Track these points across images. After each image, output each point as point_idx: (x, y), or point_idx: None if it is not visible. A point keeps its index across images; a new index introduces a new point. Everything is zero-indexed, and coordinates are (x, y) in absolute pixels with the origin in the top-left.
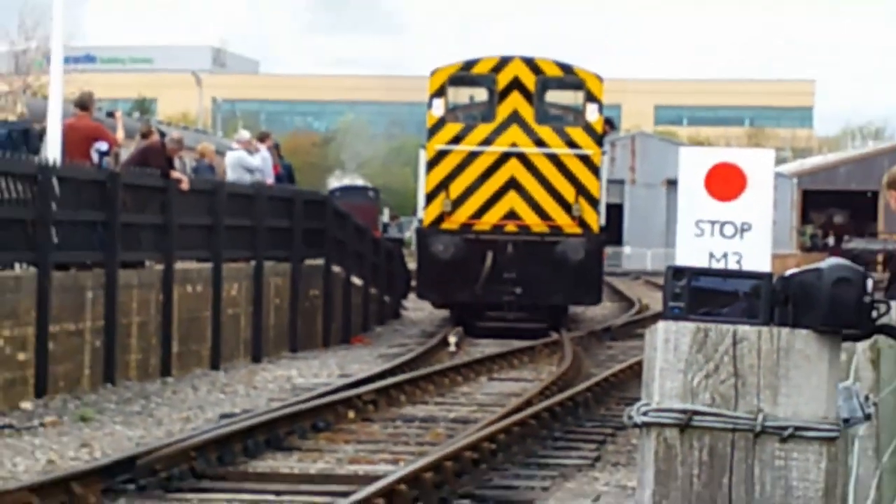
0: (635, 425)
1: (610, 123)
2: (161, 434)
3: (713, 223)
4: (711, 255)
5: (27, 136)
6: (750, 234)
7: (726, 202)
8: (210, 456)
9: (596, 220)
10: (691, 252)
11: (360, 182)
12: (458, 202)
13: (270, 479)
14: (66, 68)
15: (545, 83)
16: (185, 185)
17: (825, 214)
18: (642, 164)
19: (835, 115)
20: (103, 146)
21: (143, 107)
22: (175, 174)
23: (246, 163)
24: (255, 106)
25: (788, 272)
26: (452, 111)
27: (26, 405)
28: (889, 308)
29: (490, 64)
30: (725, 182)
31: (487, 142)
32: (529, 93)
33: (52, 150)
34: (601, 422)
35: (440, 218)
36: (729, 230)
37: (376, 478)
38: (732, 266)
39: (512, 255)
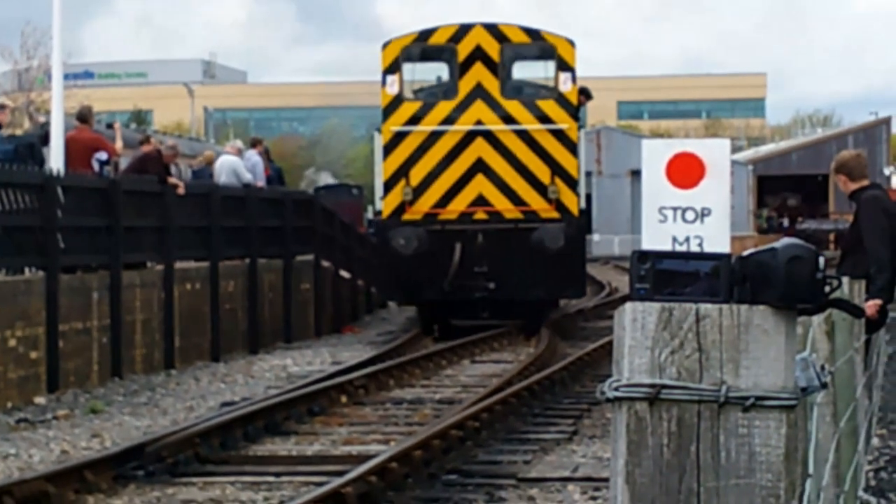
0: (608, 400)
1: (585, 93)
2: (167, 423)
3: (675, 209)
4: (675, 239)
5: (33, 149)
6: (710, 219)
7: (687, 189)
8: (213, 442)
9: (575, 202)
10: (656, 237)
11: (331, 180)
12: (419, 189)
13: (270, 461)
14: (66, 84)
15: (511, 52)
16: (181, 190)
17: (779, 198)
18: (607, 157)
19: (785, 105)
20: (103, 156)
21: (140, 118)
22: (172, 180)
23: (240, 172)
24: (244, 114)
25: (746, 252)
26: (418, 91)
27: (40, 400)
28: (840, 283)
29: (448, 33)
30: (685, 171)
31: (449, 120)
32: (494, 63)
33: (56, 162)
34: (577, 398)
35: (400, 208)
36: (690, 215)
37: (369, 457)
38: (694, 249)
39: (483, 245)
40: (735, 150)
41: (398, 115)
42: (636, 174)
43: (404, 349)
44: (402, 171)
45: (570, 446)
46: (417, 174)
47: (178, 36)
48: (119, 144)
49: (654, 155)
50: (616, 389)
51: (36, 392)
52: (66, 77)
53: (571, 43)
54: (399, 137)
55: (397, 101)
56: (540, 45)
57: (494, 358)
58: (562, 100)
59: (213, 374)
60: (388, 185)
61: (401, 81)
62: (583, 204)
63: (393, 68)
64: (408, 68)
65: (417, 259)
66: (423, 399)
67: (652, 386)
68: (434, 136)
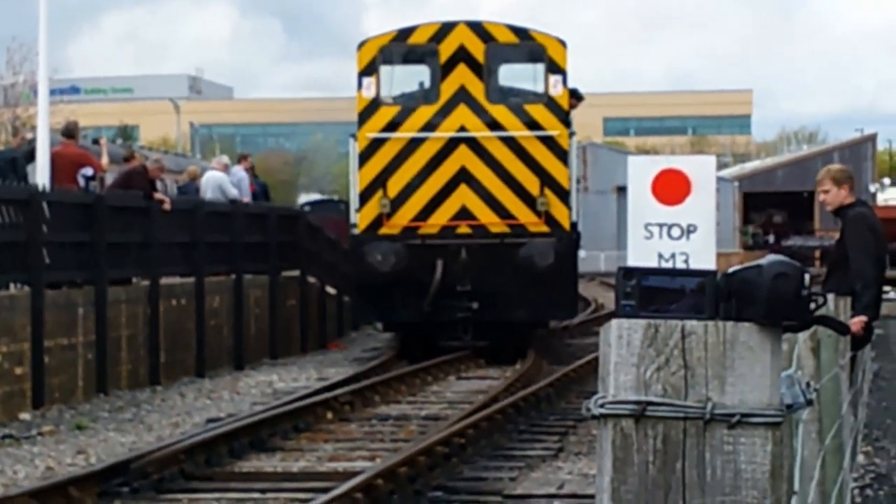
0: (593, 417)
1: (575, 95)
2: (152, 439)
3: (661, 226)
4: (660, 256)
5: (15, 164)
6: (696, 235)
7: (673, 206)
8: (198, 458)
9: (566, 215)
10: (641, 253)
11: (317, 196)
12: (398, 201)
13: (255, 478)
14: (52, 100)
15: (497, 52)
16: (167, 206)
17: (765, 214)
18: (593, 173)
19: (771, 122)
20: (89, 171)
21: (126, 133)
22: (157, 195)
23: (225, 188)
24: (230, 130)
25: (731, 269)
26: (396, 95)
27: (24, 416)
28: (826, 301)
29: (430, 31)
30: (671, 187)
31: (430, 126)
32: (478, 64)
33: (41, 177)
34: (562, 415)
35: (377, 221)
36: (676, 232)
37: (354, 474)
38: (680, 265)
39: (466, 262)
40: (721, 166)
41: (375, 120)
42: (622, 190)
43: (390, 365)
44: (379, 182)
45: (555, 463)
46: (396, 184)
47: (164, 51)
48: (105, 160)
49: (640, 171)
50: (602, 406)
51: (21, 408)
52: (52, 92)
53: (562, 43)
54: (376, 145)
55: (374, 105)
56: (528, 46)
57: (480, 374)
58: (552, 104)
59: (199, 390)
60: (364, 197)
61: (378, 84)
62: (574, 217)
63: (369, 70)
64: (385, 70)
65: (395, 276)
66: (409, 415)
67: (637, 403)
68: (414, 144)
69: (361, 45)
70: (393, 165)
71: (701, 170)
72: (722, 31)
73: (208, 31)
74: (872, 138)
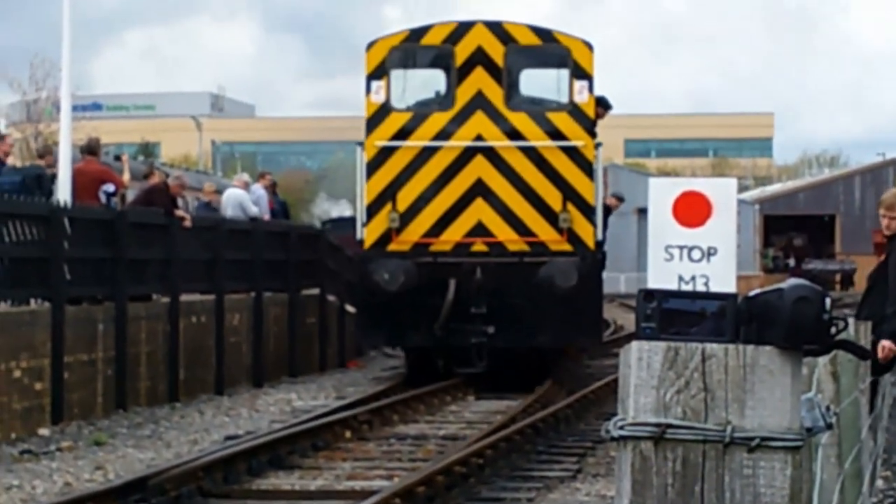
0: (612, 439)
1: (603, 104)
2: (170, 456)
3: (682, 248)
4: (680, 278)
5: (40, 180)
6: (716, 258)
7: (693, 228)
8: (216, 476)
9: (591, 233)
10: (662, 275)
11: (348, 213)
12: (408, 215)
13: (273, 496)
14: (74, 116)
15: (518, 55)
16: (188, 223)
17: (786, 238)
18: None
19: (793, 145)
20: (111, 188)
21: (148, 150)
22: (178, 212)
23: (246, 206)
24: (251, 147)
25: (752, 292)
26: (411, 100)
27: (44, 431)
28: (846, 325)
29: (445, 32)
30: (692, 209)
31: (444, 134)
32: (497, 68)
33: (63, 193)
34: (581, 436)
35: (386, 237)
36: (696, 254)
37: (372, 492)
38: (700, 287)
39: (481, 282)
40: (742, 189)
41: (384, 127)
42: (643, 212)
43: (409, 385)
44: (388, 194)
45: (573, 484)
46: (406, 197)
47: (186, 69)
48: (126, 176)
49: (661, 193)
50: (621, 428)
51: (40, 423)
52: (75, 109)
53: (589, 46)
54: (385, 154)
55: (384, 110)
56: (552, 48)
57: (499, 394)
58: (576, 112)
59: (218, 407)
60: (372, 210)
61: (388, 88)
62: (600, 235)
63: (379, 73)
64: (396, 73)
65: (404, 297)
66: (427, 435)
67: (657, 425)
68: (426, 153)
69: (370, 45)
70: (403, 176)
71: (722, 192)
72: (743, 52)
73: (230, 48)
74: (894, 162)
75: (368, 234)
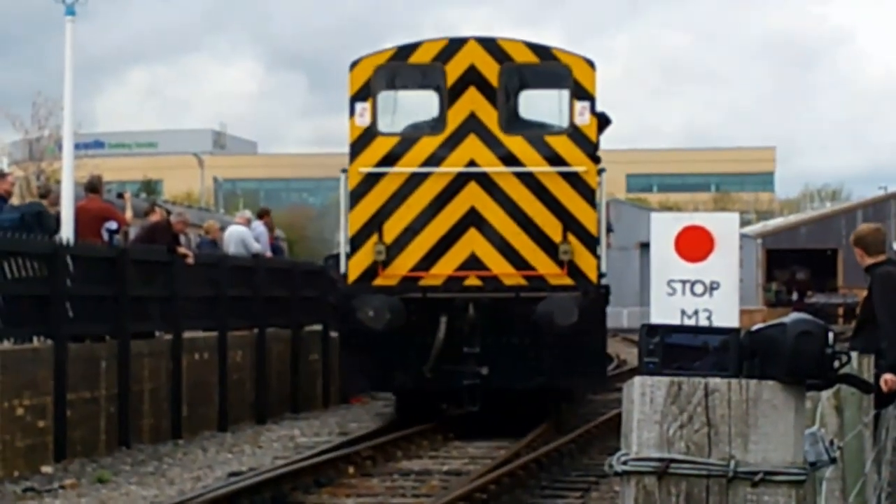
0: (616, 474)
1: (603, 119)
2: (174, 493)
3: (684, 282)
4: (683, 312)
5: (40, 217)
6: (719, 292)
7: (696, 263)
8: None
9: (594, 266)
10: (664, 310)
11: None
12: (395, 247)
13: None
14: (76, 154)
15: (514, 74)
16: (190, 260)
17: (788, 271)
18: (616, 229)
19: (794, 179)
20: (113, 225)
21: (150, 188)
22: (181, 249)
23: (248, 242)
24: (254, 184)
25: (755, 327)
26: (399, 123)
27: (47, 469)
28: (849, 359)
29: (435, 49)
30: (694, 244)
31: (435, 160)
32: (492, 88)
33: (66, 230)
34: (585, 471)
35: (371, 271)
36: (699, 288)
37: None
38: (703, 322)
39: (475, 320)
40: (744, 223)
41: (370, 152)
42: (645, 246)
43: (412, 420)
44: (374, 224)
45: None
46: (393, 228)
47: (188, 106)
48: (129, 214)
49: (663, 228)
50: (624, 463)
51: (43, 461)
52: (77, 146)
53: (591, 64)
54: (370, 181)
55: (369, 134)
56: (550, 67)
57: (502, 430)
58: (577, 135)
59: (221, 444)
60: (356, 242)
61: (374, 110)
62: (604, 268)
63: (364, 94)
64: (383, 94)
65: (390, 336)
66: (431, 470)
67: (661, 460)
68: (415, 180)
69: (354, 64)
70: (390, 205)
71: (724, 227)
72: (744, 86)
73: (232, 85)
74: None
75: (352, 268)
